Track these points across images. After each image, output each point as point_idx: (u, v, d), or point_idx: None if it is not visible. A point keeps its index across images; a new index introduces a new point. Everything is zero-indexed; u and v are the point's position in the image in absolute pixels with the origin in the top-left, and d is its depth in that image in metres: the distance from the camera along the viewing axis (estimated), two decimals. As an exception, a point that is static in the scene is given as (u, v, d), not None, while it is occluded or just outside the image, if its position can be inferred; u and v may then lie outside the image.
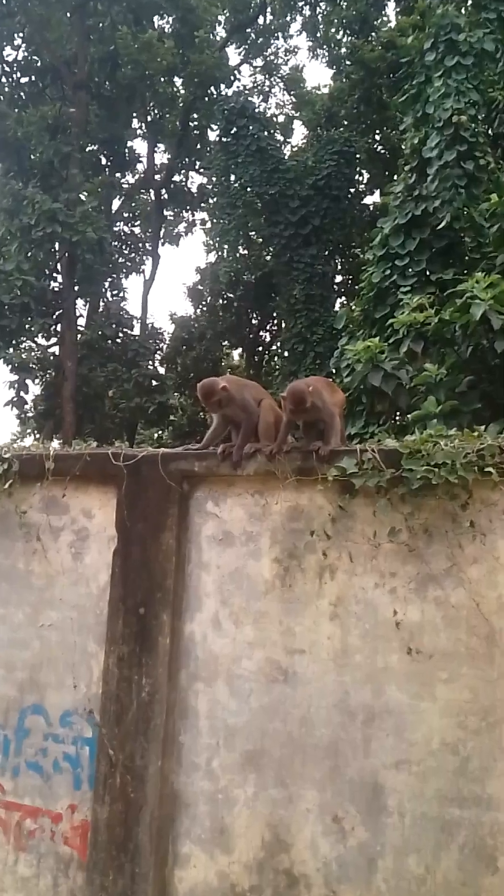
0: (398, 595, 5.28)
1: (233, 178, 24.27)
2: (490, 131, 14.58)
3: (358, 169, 24.69)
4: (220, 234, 25.13)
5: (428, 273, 11.98)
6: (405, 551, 5.27)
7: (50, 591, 6.28)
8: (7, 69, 27.83)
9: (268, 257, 26.93)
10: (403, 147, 14.76)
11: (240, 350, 34.08)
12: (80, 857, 5.86)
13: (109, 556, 6.04)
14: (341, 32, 31.02)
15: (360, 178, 25.43)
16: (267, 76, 37.13)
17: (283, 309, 23.37)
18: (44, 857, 6.01)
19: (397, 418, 11.40)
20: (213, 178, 28.35)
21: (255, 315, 32.10)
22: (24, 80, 28.18)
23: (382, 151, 28.93)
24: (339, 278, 25.93)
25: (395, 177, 30.48)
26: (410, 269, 11.91)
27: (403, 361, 10.68)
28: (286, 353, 23.49)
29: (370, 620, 5.32)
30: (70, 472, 6.19)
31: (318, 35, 32.55)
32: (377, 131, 29.37)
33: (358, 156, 24.33)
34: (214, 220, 28.87)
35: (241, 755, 5.50)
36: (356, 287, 26.53)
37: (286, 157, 24.17)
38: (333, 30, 31.29)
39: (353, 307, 12.90)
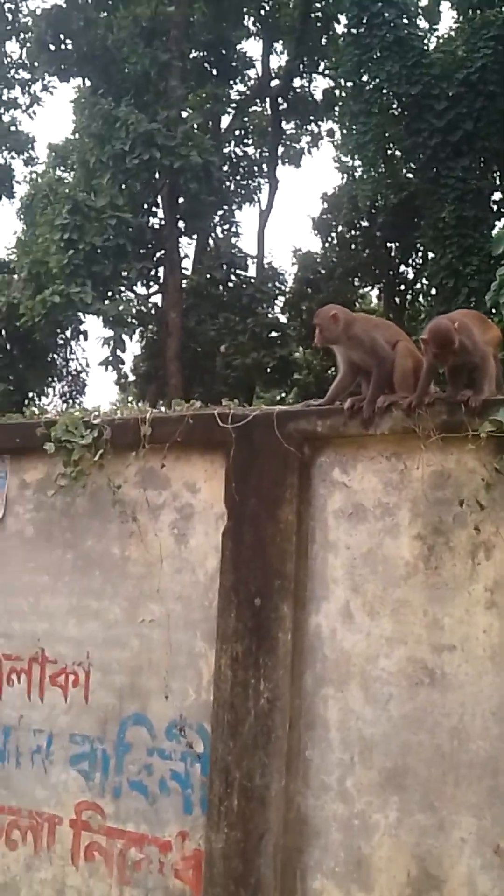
0: None
1: (365, 78, 23.96)
2: None
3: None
4: (354, 148, 24.85)
5: None
6: None
7: (150, 581, 6.39)
8: (93, -35, 28.09)
9: (409, 175, 26.48)
10: None
11: (377, 290, 33.74)
12: (193, 893, 5.98)
13: (218, 537, 6.11)
14: None
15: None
16: None
17: (428, 237, 23.00)
18: (151, 893, 6.16)
19: None
20: (342, 81, 28.04)
21: (395, 247, 31.72)
22: (112, -24, 28.35)
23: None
24: (497, 195, 25.29)
25: None
26: None
27: None
28: (433, 291, 23.13)
29: (536, 608, 5.22)
30: (170, 438, 6.27)
31: None
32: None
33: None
34: (345, 132, 28.56)
35: (381, 773, 5.50)
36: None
37: (430, 49, 23.65)
38: None
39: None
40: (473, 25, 24.37)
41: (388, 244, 31.07)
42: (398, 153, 26.24)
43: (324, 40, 32.27)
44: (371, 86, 23.29)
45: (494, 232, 12.86)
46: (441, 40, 27.53)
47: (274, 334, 25.09)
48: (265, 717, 5.73)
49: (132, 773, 6.31)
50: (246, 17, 32.68)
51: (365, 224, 31.26)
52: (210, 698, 6.00)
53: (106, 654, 6.53)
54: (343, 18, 26.71)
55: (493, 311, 12.53)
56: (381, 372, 5.78)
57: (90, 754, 6.48)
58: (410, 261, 31.94)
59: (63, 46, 26.81)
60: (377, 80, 22.91)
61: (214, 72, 31.61)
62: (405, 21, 23.37)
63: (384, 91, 22.86)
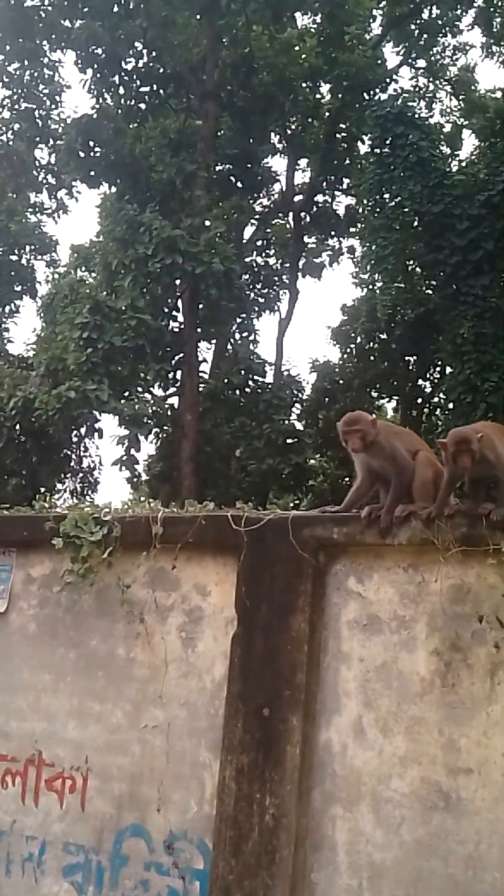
0: None
1: (387, 196, 24.32)
2: None
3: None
4: (374, 262, 25.07)
5: None
6: None
7: (155, 685, 6.17)
8: (125, 78, 28.81)
9: (428, 291, 26.69)
10: None
11: (394, 402, 33.79)
12: None
13: (227, 643, 5.91)
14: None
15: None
16: (431, 79, 37.27)
17: (447, 351, 23.02)
18: None
19: None
20: (364, 199, 28.48)
21: (412, 360, 31.86)
22: (143, 89, 29.06)
23: None
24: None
25: None
26: None
27: None
28: (451, 405, 23.10)
29: None
30: (182, 539, 6.11)
31: (494, 28, 32.53)
32: None
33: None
34: (366, 247, 28.91)
35: (390, 902, 5.20)
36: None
37: (452, 171, 24.02)
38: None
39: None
40: (495, 150, 24.79)
41: (406, 357, 31.17)
42: (418, 269, 26.49)
43: (347, 159, 32.90)
44: (393, 203, 23.58)
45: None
46: (463, 163, 28.06)
47: (290, 441, 25.01)
48: (270, 834, 5.46)
49: (128, 888, 6.00)
50: (272, 133, 33.37)
51: (383, 337, 31.42)
52: (213, 812, 5.74)
53: (106, 759, 6.28)
54: (367, 139, 27.29)
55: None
56: (400, 481, 5.64)
57: (84, 865, 6.18)
58: (428, 374, 32.03)
59: (92, 154, 27.38)
60: (399, 198, 23.19)
61: (239, 184, 32.08)
62: (428, 143, 23.79)
63: (405, 209, 23.14)
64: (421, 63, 36.59)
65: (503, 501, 5.33)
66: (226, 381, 26.39)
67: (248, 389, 26.25)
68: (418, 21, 34.16)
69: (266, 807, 5.50)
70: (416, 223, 23.66)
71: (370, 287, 32.15)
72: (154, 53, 28.22)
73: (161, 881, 5.90)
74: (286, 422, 25.88)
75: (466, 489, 5.62)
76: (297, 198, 33.81)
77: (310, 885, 5.43)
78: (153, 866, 5.94)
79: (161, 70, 28.66)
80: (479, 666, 5.23)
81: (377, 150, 24.22)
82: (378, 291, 28.56)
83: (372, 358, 32.41)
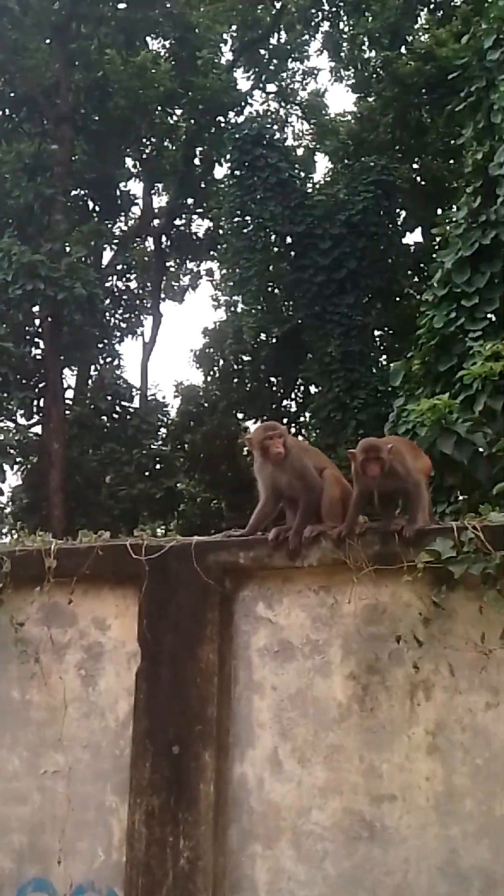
0: (519, 718, 4.81)
1: (248, 218, 24.35)
2: None
3: (400, 201, 24.65)
4: (237, 284, 25.05)
5: (502, 315, 11.70)
6: (525, 659, 4.82)
7: (53, 728, 5.78)
8: (-23, 102, 28.27)
9: (293, 311, 26.77)
10: (464, 165, 14.58)
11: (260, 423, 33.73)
12: None
13: (131, 678, 5.60)
14: (368, 48, 31.46)
15: (401, 213, 25.34)
16: (282, 103, 37.62)
17: (315, 370, 23.15)
18: None
19: (471, 493, 10.98)
20: (224, 221, 28.49)
21: (278, 380, 31.92)
22: (-4, 114, 28.58)
23: (422, 182, 29.09)
24: (379, 331, 25.76)
25: (440, 211, 30.79)
26: (480, 311, 11.63)
27: (480, 422, 10.31)
28: (320, 425, 23.16)
29: (482, 753, 4.87)
30: (78, 571, 5.77)
31: (342, 54, 33.00)
32: (415, 159, 29.60)
33: (399, 183, 24.34)
34: (227, 270, 28.90)
35: (317, 941, 4.96)
36: (405, 340, 26.45)
37: (312, 192, 24.22)
38: (359, 46, 31.72)
39: (413, 359, 12.58)
40: (353, 170, 25.11)
41: (271, 378, 31.22)
42: (282, 290, 26.57)
43: (204, 183, 32.90)
44: (254, 225, 23.61)
45: (380, 366, 12.89)
46: (320, 184, 28.35)
47: (159, 466, 24.72)
48: (185, 879, 5.16)
49: None
50: (129, 157, 33.13)
51: (247, 358, 31.41)
52: (122, 859, 5.41)
53: (3, 810, 5.85)
54: (224, 162, 27.34)
55: (390, 443, 12.37)
56: (309, 499, 5.45)
57: (-15, 925, 5.75)
58: (293, 394, 32.15)
59: None
60: (260, 220, 23.25)
61: (98, 208, 31.80)
62: (286, 164, 23.94)
63: (267, 230, 23.21)
64: (272, 87, 36.96)
65: (414, 516, 5.19)
66: (92, 407, 25.96)
67: (115, 415, 25.87)
68: (268, 46, 34.52)
69: (180, 850, 5.20)
70: (278, 244, 23.74)
71: (232, 309, 32.14)
72: (5, 77, 27.70)
73: (69, 936, 5.53)
74: (155, 446, 25.57)
75: (376, 506, 5.46)
76: (156, 222, 33.65)
77: (230, 928, 5.15)
78: (59, 921, 5.57)
79: (13, 94, 28.17)
80: (397, 688, 5.07)
81: (237, 173, 24.24)
82: (241, 313, 28.58)
83: (236, 380, 32.34)
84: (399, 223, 25.24)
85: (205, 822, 5.18)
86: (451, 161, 29.65)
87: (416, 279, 28.10)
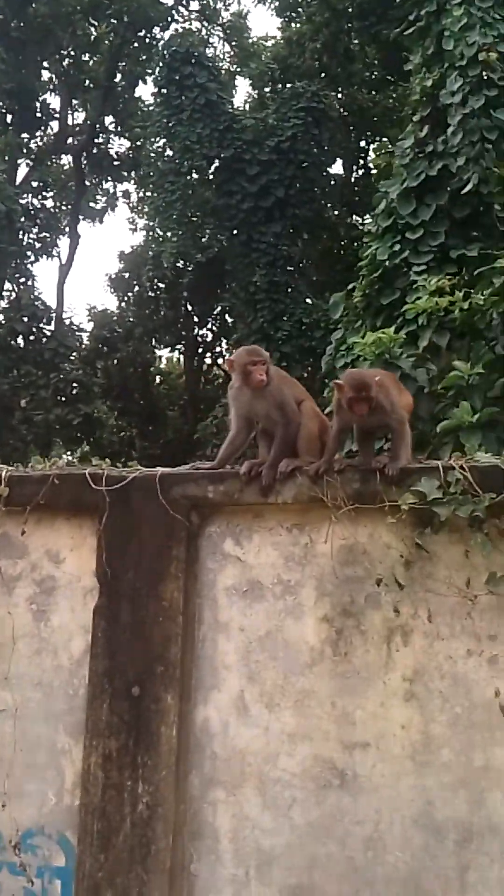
0: (501, 666, 4.66)
1: (174, 139, 23.63)
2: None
3: (330, 130, 24.15)
4: (159, 207, 24.43)
5: (447, 249, 11.48)
6: (510, 606, 4.65)
7: (2, 665, 5.46)
8: None
9: (216, 238, 26.17)
10: (410, 93, 14.28)
11: (178, 352, 33.28)
12: None
13: (86, 615, 5.30)
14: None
15: (330, 142, 24.83)
16: (205, 23, 36.60)
17: (239, 300, 22.76)
18: None
19: (413, 430, 10.83)
20: (148, 142, 27.74)
21: (194, 309, 31.42)
22: None
23: (345, 113, 28.60)
24: (305, 263, 25.35)
25: (368, 144, 30.42)
26: (425, 244, 11.38)
27: (424, 358, 10.12)
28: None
29: (462, 702, 4.70)
30: (31, 500, 5.41)
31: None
32: (341, 89, 29.03)
33: (329, 112, 23.85)
34: (150, 192, 28.18)
35: (283, 892, 4.79)
36: (331, 272, 26.16)
37: (241, 115, 23.61)
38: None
39: (354, 292, 12.29)
40: (283, 96, 24.54)
41: (189, 306, 30.73)
42: (206, 215, 25.96)
43: (125, 101, 31.93)
44: (180, 146, 22.93)
45: (332, 298, 12.62)
46: (248, 107, 27.71)
47: (76, 391, 24.15)
48: (144, 825, 4.93)
49: (-24, 892, 5.33)
50: (48, 70, 32.00)
51: (163, 285, 30.79)
52: (76, 803, 5.15)
53: None
54: (150, 79, 26.55)
55: (326, 379, 12.17)
56: (286, 432, 5.16)
57: None
58: (210, 324, 31.74)
59: None
60: (187, 142, 22.58)
61: (14, 120, 30.69)
62: (216, 84, 23.26)
63: (194, 152, 22.56)
64: (195, 6, 35.90)
65: (398, 454, 4.95)
66: (7, 327, 25.18)
67: (31, 337, 25.12)
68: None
69: (139, 795, 4.97)
70: (205, 168, 23.15)
71: (151, 234, 31.45)
72: None
73: (15, 882, 5.26)
74: (73, 371, 24.95)
75: (356, 441, 5.21)
76: (76, 139, 32.62)
77: (190, 878, 4.94)
78: (5, 866, 5.29)
79: None
80: (374, 632, 4.86)
81: (164, 91, 23.46)
82: (162, 238, 27.96)
83: (152, 306, 31.79)
84: (326, 153, 24.71)
85: (165, 767, 4.95)
86: (375, 92, 29.35)
87: (336, 212, 27.85)
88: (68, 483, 5.39)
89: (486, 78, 11.33)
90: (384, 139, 28.69)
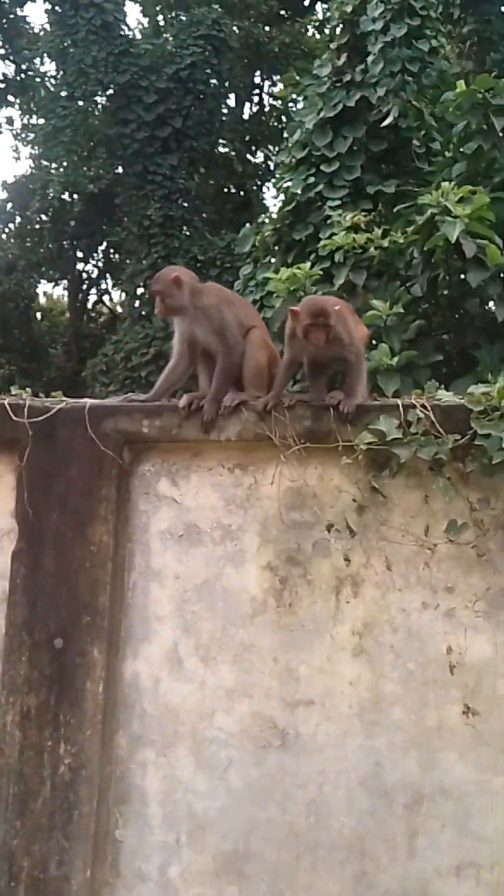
0: (459, 620, 4.40)
1: (61, 63, 22.65)
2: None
3: (231, 61, 23.42)
4: (49, 134, 23.45)
5: (363, 184, 11.09)
6: (471, 557, 4.38)
7: None
8: None
9: (108, 168, 25.23)
10: (327, 17, 13.76)
11: (62, 287, 32.32)
12: None
13: (2, 559, 4.84)
14: None
15: (230, 74, 24.09)
16: None
17: (132, 234, 21.99)
18: None
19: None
20: (36, 64, 26.60)
21: (80, 243, 30.44)
22: None
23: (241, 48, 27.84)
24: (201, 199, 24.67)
25: (263, 80, 29.80)
26: (340, 178, 10.97)
27: (339, 297, 9.74)
28: (136, 291, 22.11)
29: (415, 658, 4.42)
30: None
31: None
32: (236, 21, 28.22)
33: (230, 43, 23.13)
34: (40, 119, 27.02)
35: (216, 858, 4.47)
36: (226, 209, 25.62)
37: (140, 40, 22.69)
38: None
39: (264, 226, 11.81)
40: (181, 23, 23.72)
41: (75, 240, 29.74)
42: (98, 145, 24.98)
43: (11, 20, 30.50)
44: (74, 70, 21.94)
45: (241, 231, 12.13)
46: (140, 31, 26.74)
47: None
48: (66, 788, 4.55)
49: None
50: None
51: (46, 217, 29.68)
52: (-14, 765, 4.72)
53: None
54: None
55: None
56: (228, 362, 4.75)
57: None
58: (94, 259, 30.85)
59: None
60: (82, 65, 21.61)
61: None
62: (113, 5, 22.28)
63: (89, 76, 21.60)
64: None
65: (354, 390, 4.59)
66: None
67: None
68: None
69: (60, 756, 4.57)
70: (99, 93, 22.25)
71: (38, 163, 30.25)
72: None
73: None
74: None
75: (306, 374, 4.83)
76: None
77: (115, 845, 4.59)
78: None
79: None
80: (321, 582, 4.53)
81: (57, 10, 22.36)
82: (50, 167, 26.94)
83: (36, 238, 30.70)
84: (226, 85, 23.99)
85: (91, 726, 4.56)
86: (270, 27, 28.65)
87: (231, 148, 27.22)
88: (-16, 414, 4.90)
89: (409, 5, 10.95)
90: (276, 77, 28.39)
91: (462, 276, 8.97)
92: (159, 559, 4.71)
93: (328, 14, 14.66)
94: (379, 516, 4.46)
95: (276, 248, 11.42)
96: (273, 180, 13.06)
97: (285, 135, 15.20)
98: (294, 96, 15.78)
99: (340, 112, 11.37)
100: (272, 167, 30.05)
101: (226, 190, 28.00)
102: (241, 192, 28.26)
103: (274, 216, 11.72)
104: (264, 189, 30.29)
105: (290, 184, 11.24)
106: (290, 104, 20.33)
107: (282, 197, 11.49)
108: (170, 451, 4.76)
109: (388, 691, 4.40)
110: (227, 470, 4.69)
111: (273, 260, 11.53)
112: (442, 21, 12.66)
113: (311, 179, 11.12)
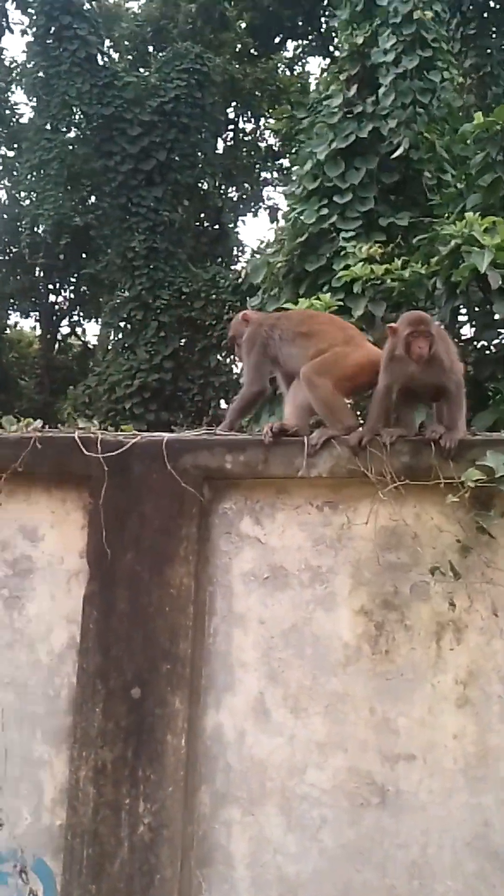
0: None
1: (44, 94, 22.43)
2: (455, 35, 13.83)
3: (214, 95, 23.32)
4: (35, 165, 23.16)
5: (376, 215, 10.94)
6: None
7: (-37, 660, 4.64)
8: None
9: (94, 201, 24.99)
10: (338, 48, 13.67)
11: (34, 318, 31.93)
12: None
13: (69, 602, 4.57)
14: None
15: (213, 107, 23.94)
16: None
17: (116, 266, 21.74)
18: None
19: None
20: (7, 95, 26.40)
21: (54, 275, 30.11)
22: None
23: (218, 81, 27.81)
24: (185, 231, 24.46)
25: (238, 116, 29.78)
26: (353, 209, 10.80)
27: (359, 328, 9.57)
28: (121, 324, 21.80)
29: (525, 709, 4.12)
30: (6, 466, 4.60)
31: None
32: (214, 56, 28.23)
33: (213, 77, 23.05)
34: (14, 150, 26.77)
35: (311, 926, 4.14)
36: (213, 241, 25.46)
37: (123, 72, 22.50)
38: None
39: (275, 256, 11.59)
40: (167, 56, 23.62)
41: (48, 272, 29.40)
42: (81, 177, 24.72)
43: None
44: (58, 102, 21.73)
45: (250, 262, 11.91)
46: (128, 61, 26.62)
47: None
48: (146, 850, 4.22)
49: None
50: None
51: (15, 250, 29.35)
52: (57, 823, 4.40)
53: None
54: (27, 28, 25.14)
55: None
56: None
57: None
58: (64, 291, 30.49)
59: None
60: (66, 97, 21.41)
61: None
62: (96, 37, 22.13)
63: (73, 108, 21.43)
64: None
65: (456, 423, 4.33)
66: None
67: None
68: None
69: (140, 815, 4.25)
70: (84, 125, 22.05)
71: (10, 193, 29.94)
72: None
73: (-22, 915, 4.47)
74: None
75: (396, 406, 4.55)
76: None
77: (198, 910, 4.26)
78: (-35, 896, 4.50)
79: None
80: (421, 627, 4.26)
81: (39, 42, 22.19)
82: (29, 199, 26.65)
83: (5, 270, 30.38)
84: (209, 118, 23.84)
85: (172, 782, 4.24)
86: (244, 63, 28.64)
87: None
88: (52, 447, 4.61)
89: (421, 37, 10.86)
90: (249, 113, 28.40)
91: (487, 307, 8.85)
92: (242, 603, 4.42)
93: (338, 43, 14.61)
94: (485, 558, 4.20)
95: (286, 279, 11.22)
96: (249, 214, 12.78)
97: (287, 164, 15.07)
98: (289, 128, 15.73)
99: (352, 143, 11.24)
100: (243, 203, 30.22)
101: (202, 223, 27.89)
102: (217, 226, 28.19)
103: (284, 247, 11.50)
104: (239, 223, 30.38)
105: (302, 214, 11.05)
106: (281, 138, 20.32)
107: (290, 228, 11.29)
108: (252, 488, 4.48)
109: (495, 745, 4.13)
110: (316, 508, 4.42)
111: (281, 291, 11.32)
112: (453, 54, 12.59)
113: (325, 211, 10.97)
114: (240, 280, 19.85)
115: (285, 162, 27.73)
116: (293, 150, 16.96)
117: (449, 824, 4.10)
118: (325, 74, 16.64)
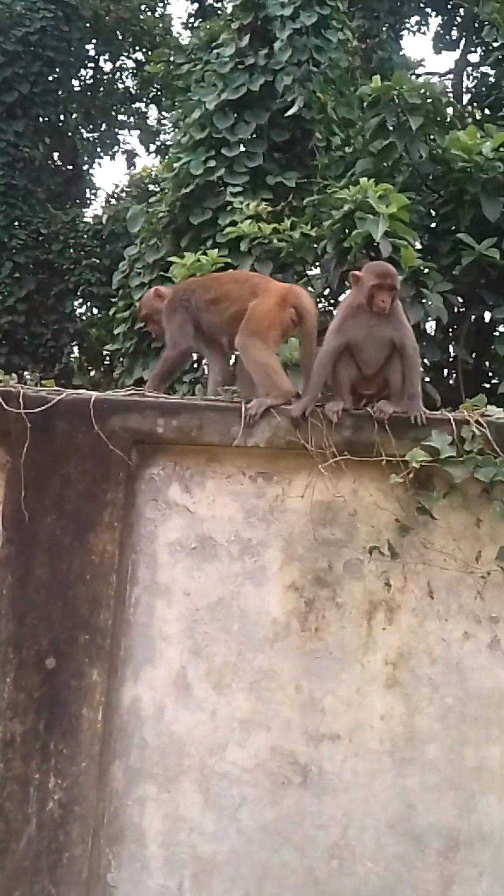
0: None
1: None
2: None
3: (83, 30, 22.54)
4: None
5: (263, 172, 10.71)
6: (523, 585, 4.11)
7: None
8: None
9: None
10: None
11: None
12: None
13: (-17, 567, 4.26)
14: None
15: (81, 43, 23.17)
16: None
17: (-29, 201, 20.86)
18: None
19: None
20: None
21: None
22: None
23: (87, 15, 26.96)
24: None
25: (98, 54, 28.92)
26: (241, 164, 10.54)
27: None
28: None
29: (454, 692, 4.14)
30: None
31: None
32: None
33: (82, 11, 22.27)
34: None
35: (226, 908, 4.04)
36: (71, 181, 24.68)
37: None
38: None
39: (155, 206, 11.22)
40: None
41: None
42: None
43: None
44: None
45: (131, 210, 11.44)
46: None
47: None
48: (55, 827, 4.04)
49: None
50: None
51: None
52: (-42, 799, 4.14)
53: None
54: None
55: (119, 290, 11.12)
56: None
57: None
58: None
59: None
60: None
61: None
62: (-42, -42, 21.09)
63: None
64: None
65: (415, 387, 4.20)
66: None
67: None
68: None
69: (49, 791, 4.05)
70: None
71: None
72: None
73: None
74: None
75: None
76: None
77: (106, 887, 4.09)
78: None
79: None
80: (352, 605, 4.18)
81: None
82: None
83: None
84: (74, 53, 23.02)
85: (86, 757, 4.06)
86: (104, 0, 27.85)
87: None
88: (-33, 401, 4.29)
89: (319, -6, 10.66)
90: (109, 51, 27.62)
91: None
92: (167, 573, 4.24)
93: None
94: (423, 539, 4.14)
95: (166, 230, 10.91)
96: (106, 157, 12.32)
97: (176, 112, 14.62)
98: (167, 72, 15.30)
99: (243, 96, 10.96)
100: (100, 146, 29.43)
101: (55, 163, 27.03)
102: (71, 167, 27.38)
103: (167, 196, 11.16)
104: (94, 166, 29.62)
105: (188, 164, 10.74)
106: (159, 82, 19.85)
107: (174, 177, 10.95)
108: (183, 454, 4.28)
109: (424, 727, 4.09)
110: (249, 479, 4.27)
111: (161, 242, 11.01)
112: (348, 14, 12.41)
113: (212, 163, 10.67)
114: (101, 225, 19.34)
115: (141, 106, 27.30)
116: (174, 99, 16.51)
117: (372, 806, 4.05)
118: (206, 22, 16.24)
